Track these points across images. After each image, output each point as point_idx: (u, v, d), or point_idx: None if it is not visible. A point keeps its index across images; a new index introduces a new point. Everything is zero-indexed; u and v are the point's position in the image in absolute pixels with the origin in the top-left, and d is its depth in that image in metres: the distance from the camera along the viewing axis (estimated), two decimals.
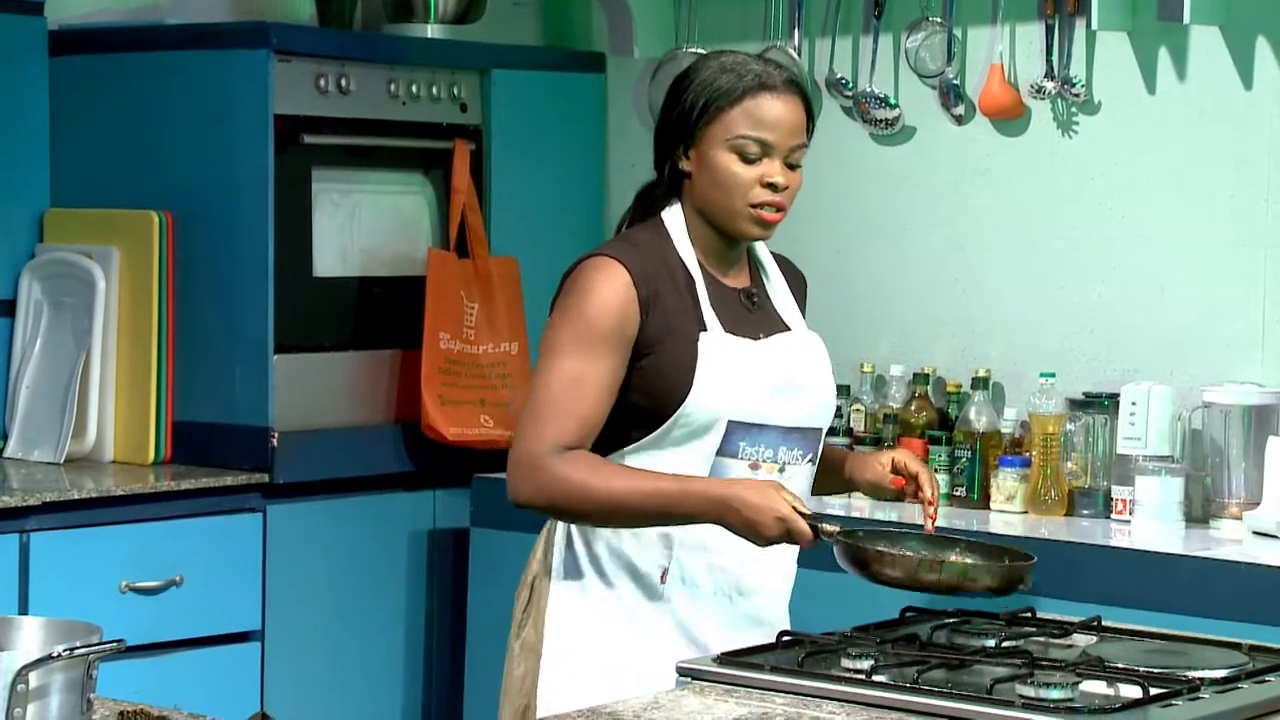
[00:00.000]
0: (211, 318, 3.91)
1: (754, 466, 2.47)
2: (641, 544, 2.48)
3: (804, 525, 2.35)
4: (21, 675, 1.75)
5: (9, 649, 1.87)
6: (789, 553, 2.54)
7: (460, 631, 4.12)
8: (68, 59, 4.05)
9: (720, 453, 2.46)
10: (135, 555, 3.64)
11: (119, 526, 3.63)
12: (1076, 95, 3.87)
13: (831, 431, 3.95)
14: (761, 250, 2.61)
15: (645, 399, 2.45)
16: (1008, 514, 3.74)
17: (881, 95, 4.10)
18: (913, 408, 3.97)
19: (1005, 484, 3.76)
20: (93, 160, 4.05)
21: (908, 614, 2.53)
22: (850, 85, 4.15)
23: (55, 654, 1.78)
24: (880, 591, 2.91)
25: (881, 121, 4.11)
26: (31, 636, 1.89)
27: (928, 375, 4.00)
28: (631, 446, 2.46)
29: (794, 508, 2.35)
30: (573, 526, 2.50)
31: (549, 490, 2.40)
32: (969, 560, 2.39)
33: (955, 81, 4.01)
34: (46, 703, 1.78)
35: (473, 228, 4.18)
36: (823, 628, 2.45)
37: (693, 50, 4.30)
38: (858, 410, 4.02)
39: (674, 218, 2.52)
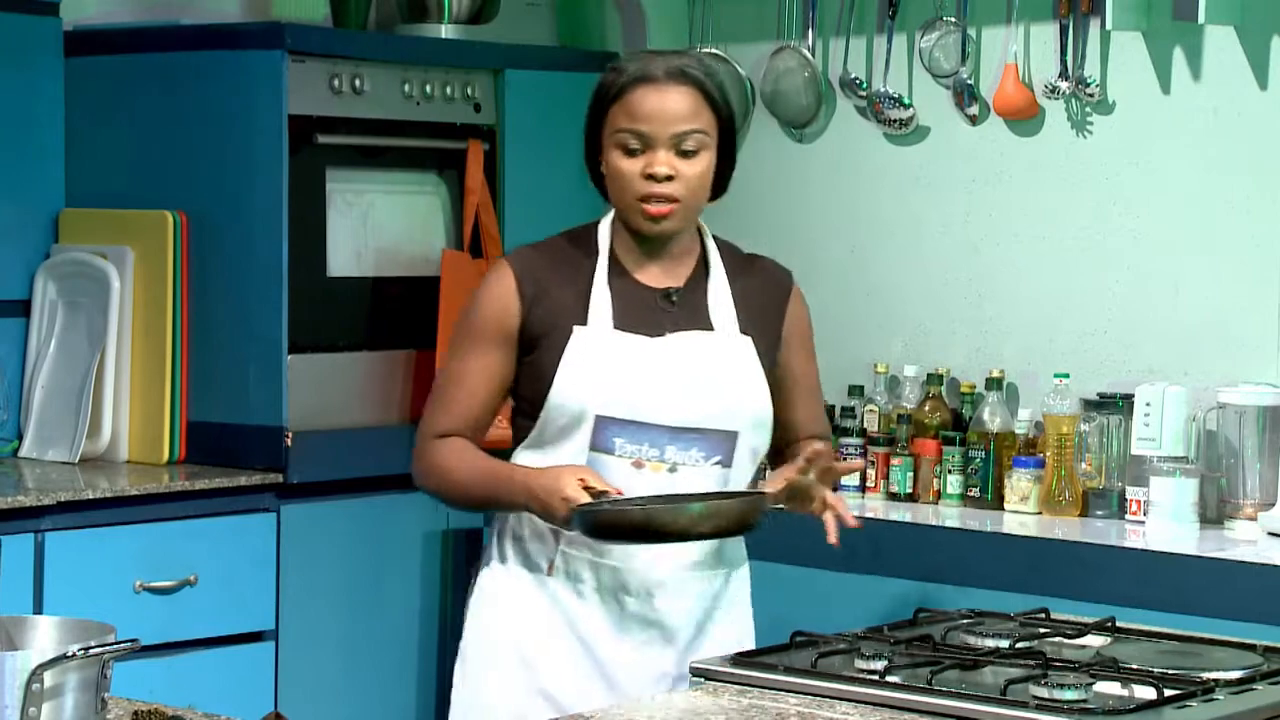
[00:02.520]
0: (225, 317, 3.92)
1: (637, 465, 2.47)
2: (536, 537, 2.53)
3: (584, 501, 2.35)
4: (36, 674, 1.76)
5: (24, 648, 1.87)
6: (685, 557, 2.50)
7: None
8: (83, 59, 4.06)
9: (595, 448, 2.47)
10: (149, 555, 3.64)
11: (133, 526, 3.63)
12: (1091, 95, 3.87)
13: (845, 432, 4.01)
14: (713, 250, 2.58)
15: (529, 393, 2.53)
16: (1022, 514, 3.73)
17: (895, 95, 4.10)
18: (926, 408, 3.96)
19: (1019, 485, 3.75)
20: (107, 160, 4.06)
21: (921, 614, 2.53)
22: (864, 85, 4.14)
23: (70, 653, 1.79)
24: (893, 592, 2.90)
25: (895, 121, 4.10)
26: (46, 635, 1.90)
27: (941, 376, 3.99)
28: (525, 442, 2.53)
29: (590, 487, 2.36)
30: (497, 525, 2.57)
31: (425, 475, 2.56)
32: (698, 505, 2.33)
33: (969, 81, 4.01)
34: (61, 702, 1.78)
35: (486, 228, 4.18)
36: (835, 628, 2.45)
37: (707, 50, 4.30)
38: (871, 411, 4.01)
39: (606, 220, 2.57)
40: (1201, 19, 3.63)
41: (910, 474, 3.90)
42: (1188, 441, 3.65)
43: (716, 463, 2.49)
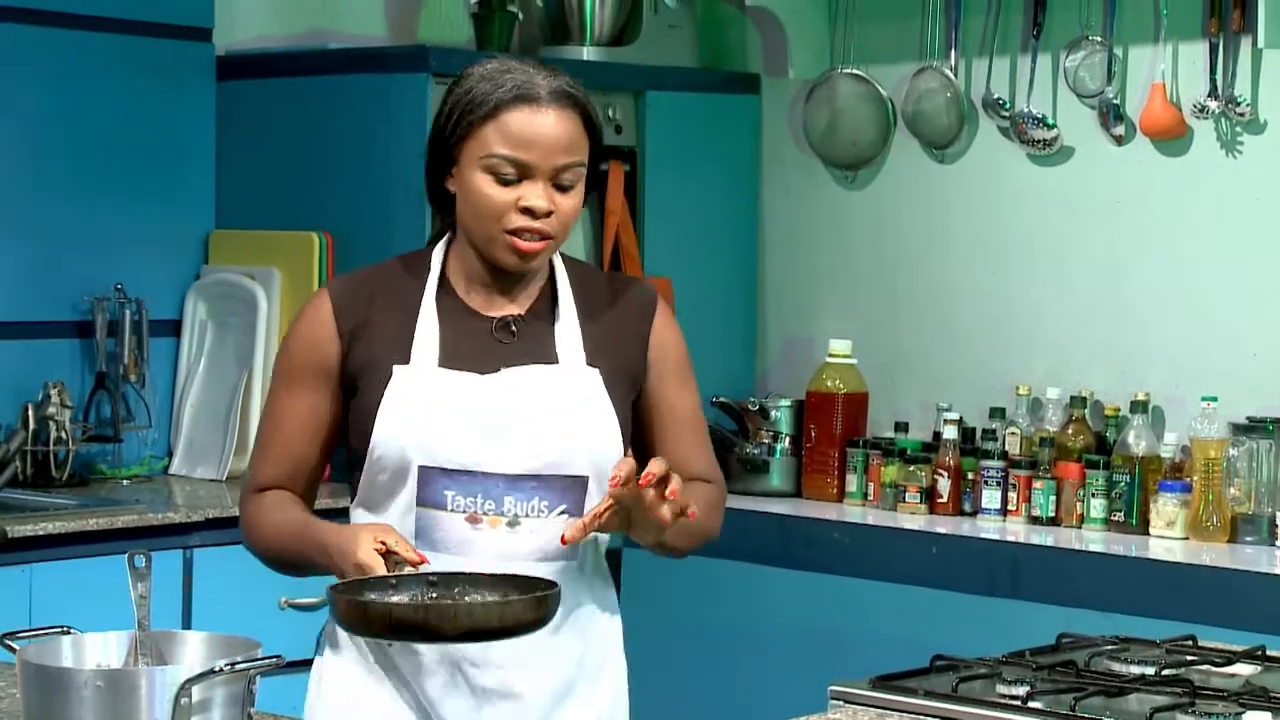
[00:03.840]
0: None
1: (472, 520, 2.15)
2: None
3: (380, 572, 2.04)
4: (185, 689, 1.79)
5: (173, 663, 1.91)
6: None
7: None
8: (234, 83, 4.14)
9: (424, 503, 2.16)
10: None
11: None
12: (1241, 115, 3.80)
13: (986, 454, 3.97)
14: (561, 272, 2.27)
15: (354, 441, 2.21)
16: (1168, 540, 3.68)
17: (1039, 115, 4.06)
18: (1069, 431, 3.92)
19: (1165, 509, 3.70)
20: (256, 182, 4.13)
21: (1064, 640, 2.50)
22: (1008, 105, 4.11)
23: (217, 668, 1.81)
24: (1035, 617, 2.83)
25: (1039, 142, 4.06)
26: (194, 651, 1.93)
27: (1085, 398, 3.95)
28: (357, 498, 2.23)
29: (390, 551, 2.06)
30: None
31: (244, 533, 2.29)
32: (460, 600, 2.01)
33: (1115, 101, 3.96)
34: (209, 716, 1.81)
35: (626, 249, 4.20)
36: (975, 653, 2.43)
37: (848, 71, 4.29)
38: (1013, 433, 3.97)
39: (444, 243, 2.25)
40: None
41: (1053, 497, 3.85)
42: None
43: (562, 513, 2.16)
